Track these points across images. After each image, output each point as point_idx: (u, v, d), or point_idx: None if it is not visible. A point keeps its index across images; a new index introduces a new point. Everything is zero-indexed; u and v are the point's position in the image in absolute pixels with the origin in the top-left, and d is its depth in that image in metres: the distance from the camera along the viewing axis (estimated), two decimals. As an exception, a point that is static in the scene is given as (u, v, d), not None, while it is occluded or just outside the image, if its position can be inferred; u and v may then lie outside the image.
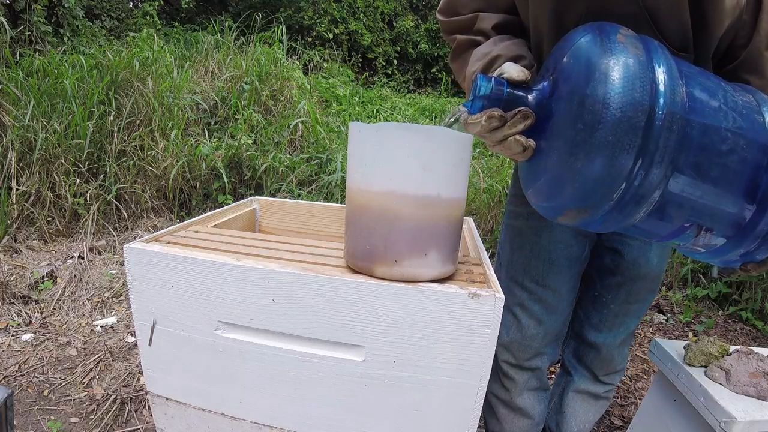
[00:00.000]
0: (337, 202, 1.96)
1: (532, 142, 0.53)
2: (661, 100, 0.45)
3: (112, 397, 1.36)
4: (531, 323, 0.89)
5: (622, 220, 0.51)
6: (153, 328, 0.72)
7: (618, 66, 0.46)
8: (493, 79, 0.53)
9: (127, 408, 1.34)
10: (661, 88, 0.46)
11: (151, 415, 0.87)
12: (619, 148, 0.45)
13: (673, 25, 0.60)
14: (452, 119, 0.58)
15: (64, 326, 1.71)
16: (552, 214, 0.57)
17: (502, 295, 0.58)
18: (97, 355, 1.56)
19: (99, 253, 2.23)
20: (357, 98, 4.56)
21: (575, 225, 0.55)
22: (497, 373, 0.95)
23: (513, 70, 0.54)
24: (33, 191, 2.27)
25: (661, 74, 0.46)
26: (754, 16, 0.61)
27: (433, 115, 4.55)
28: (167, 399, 0.77)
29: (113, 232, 2.37)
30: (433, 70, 6.45)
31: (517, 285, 0.89)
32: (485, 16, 0.71)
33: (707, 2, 0.58)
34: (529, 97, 0.54)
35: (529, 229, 0.86)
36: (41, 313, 1.76)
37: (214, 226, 0.91)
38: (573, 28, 0.56)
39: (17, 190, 2.24)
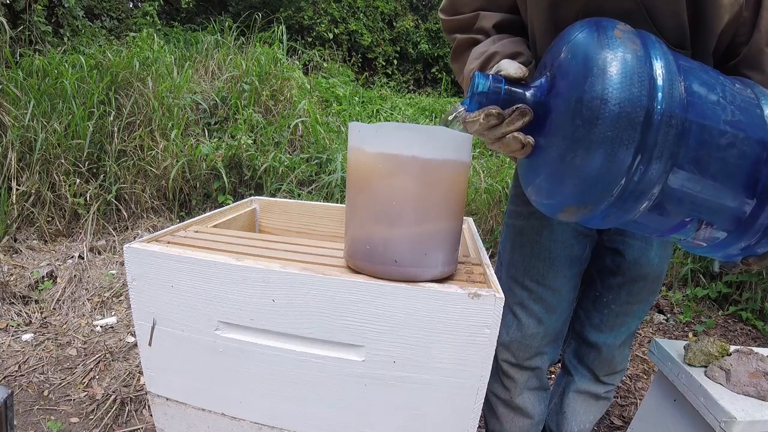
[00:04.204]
0: (337, 202, 1.96)
1: (530, 139, 0.53)
2: (659, 95, 0.45)
3: (112, 397, 1.36)
4: (531, 323, 0.89)
5: (623, 216, 0.51)
6: (153, 328, 0.72)
7: (615, 61, 0.46)
8: (490, 76, 0.53)
9: (127, 408, 1.34)
10: (659, 83, 0.46)
11: (151, 415, 0.87)
12: (618, 144, 0.45)
13: (670, 22, 0.60)
14: (450, 118, 0.57)
15: (64, 326, 1.71)
16: (552, 211, 0.56)
17: (502, 295, 0.58)
18: (97, 355, 1.56)
19: (99, 253, 2.23)
20: (357, 98, 4.56)
21: (575, 221, 0.55)
22: (497, 372, 0.95)
23: (510, 67, 0.53)
24: (33, 191, 2.27)
25: (659, 69, 0.46)
26: (755, 13, 0.61)
27: (433, 115, 4.55)
28: (167, 399, 0.77)
29: (113, 232, 2.37)
30: (433, 70, 6.45)
31: (517, 284, 0.89)
32: (486, 15, 0.71)
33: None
34: (527, 93, 0.53)
35: (529, 228, 0.86)
36: (41, 313, 1.76)
37: (214, 226, 0.91)
38: (567, 26, 0.56)
39: (17, 190, 2.24)
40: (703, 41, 0.62)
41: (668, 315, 2.25)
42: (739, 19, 0.61)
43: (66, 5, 3.43)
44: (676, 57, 0.49)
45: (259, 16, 3.82)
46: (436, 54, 6.38)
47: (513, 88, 0.53)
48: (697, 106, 0.47)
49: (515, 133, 0.52)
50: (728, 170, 0.48)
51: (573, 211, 0.52)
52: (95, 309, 1.84)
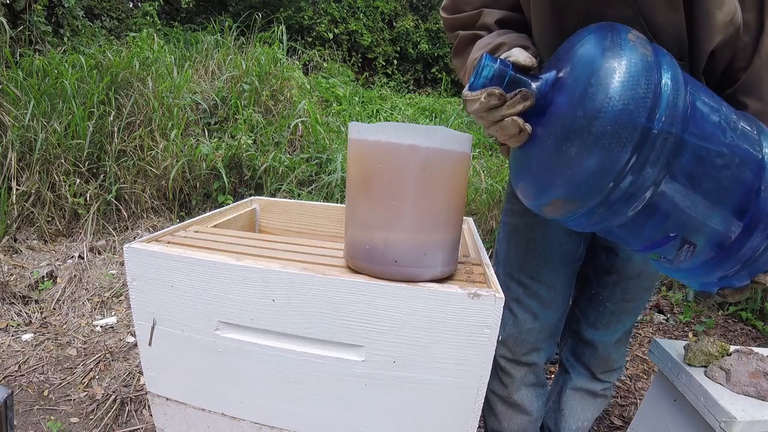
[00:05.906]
0: (337, 202, 1.96)
1: (528, 126, 0.53)
2: (664, 102, 0.45)
3: (112, 397, 1.36)
4: (527, 318, 0.90)
5: (609, 218, 0.51)
6: (153, 328, 0.72)
7: (626, 61, 0.46)
8: (498, 59, 0.52)
9: (127, 408, 1.34)
10: (666, 90, 0.46)
11: (151, 415, 0.87)
12: (616, 141, 0.45)
13: (668, 35, 0.59)
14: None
15: (64, 326, 1.71)
16: (537, 204, 0.56)
17: (502, 295, 0.58)
18: (97, 355, 1.56)
19: (99, 253, 2.23)
20: (357, 98, 4.56)
21: (559, 218, 0.55)
22: (495, 368, 0.96)
23: (521, 55, 0.53)
24: (33, 191, 2.27)
25: (666, 77, 0.47)
26: (756, 38, 0.60)
27: (433, 115, 4.55)
28: (167, 399, 0.77)
29: (113, 232, 2.37)
30: (433, 70, 6.45)
31: (513, 281, 0.90)
32: (489, 12, 0.70)
33: (699, 15, 0.58)
34: (533, 84, 0.53)
35: (524, 225, 0.87)
36: (41, 313, 1.76)
37: (214, 226, 0.91)
38: (570, 30, 0.56)
39: (17, 190, 2.24)
40: (695, 57, 0.62)
41: (668, 315, 2.25)
42: (737, 44, 0.60)
43: (66, 5, 3.43)
44: (684, 74, 0.50)
45: (259, 16, 3.82)
46: (436, 54, 6.38)
47: (519, 75, 0.53)
48: (698, 121, 0.48)
49: (514, 117, 0.52)
50: (719, 192, 0.49)
51: (560, 205, 0.52)
52: (95, 309, 1.84)
